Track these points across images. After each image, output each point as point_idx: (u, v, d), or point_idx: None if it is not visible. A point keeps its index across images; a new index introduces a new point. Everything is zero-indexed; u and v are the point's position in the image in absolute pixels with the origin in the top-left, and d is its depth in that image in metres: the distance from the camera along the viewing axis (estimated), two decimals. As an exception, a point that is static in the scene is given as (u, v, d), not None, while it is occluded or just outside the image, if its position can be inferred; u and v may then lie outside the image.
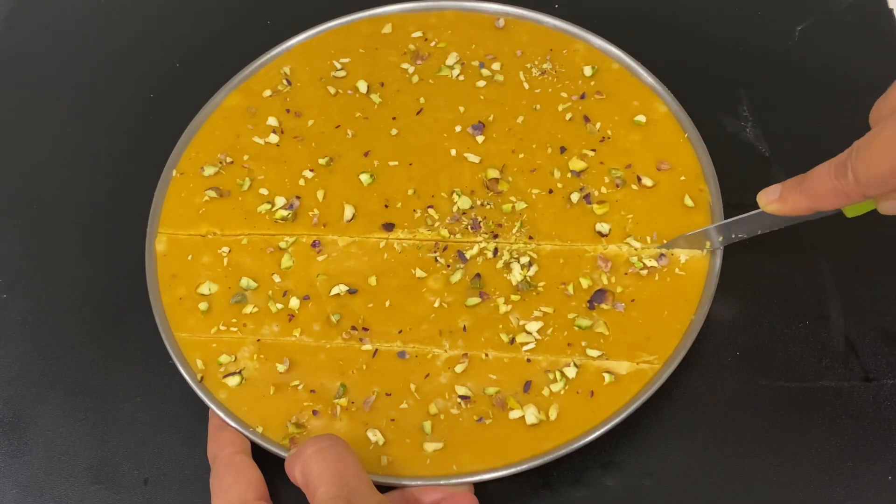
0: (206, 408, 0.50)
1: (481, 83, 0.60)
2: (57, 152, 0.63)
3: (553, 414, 0.48)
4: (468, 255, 0.53)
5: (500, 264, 0.53)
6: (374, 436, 0.48)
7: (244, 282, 0.53)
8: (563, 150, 0.56)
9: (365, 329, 0.51)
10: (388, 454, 0.48)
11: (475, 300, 0.52)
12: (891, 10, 0.63)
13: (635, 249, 0.52)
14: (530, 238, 0.53)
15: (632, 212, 0.54)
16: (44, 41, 0.69)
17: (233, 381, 0.50)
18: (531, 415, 0.48)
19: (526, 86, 0.59)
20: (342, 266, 0.54)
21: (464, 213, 0.55)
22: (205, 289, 0.53)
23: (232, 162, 0.58)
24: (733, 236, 0.51)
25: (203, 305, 0.53)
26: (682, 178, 0.55)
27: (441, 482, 0.47)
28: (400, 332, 0.51)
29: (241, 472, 0.45)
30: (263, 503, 0.44)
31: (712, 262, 0.51)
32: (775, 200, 0.46)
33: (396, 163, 0.57)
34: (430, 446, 0.48)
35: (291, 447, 0.47)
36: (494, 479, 0.47)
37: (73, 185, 0.62)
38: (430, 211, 0.55)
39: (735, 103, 0.60)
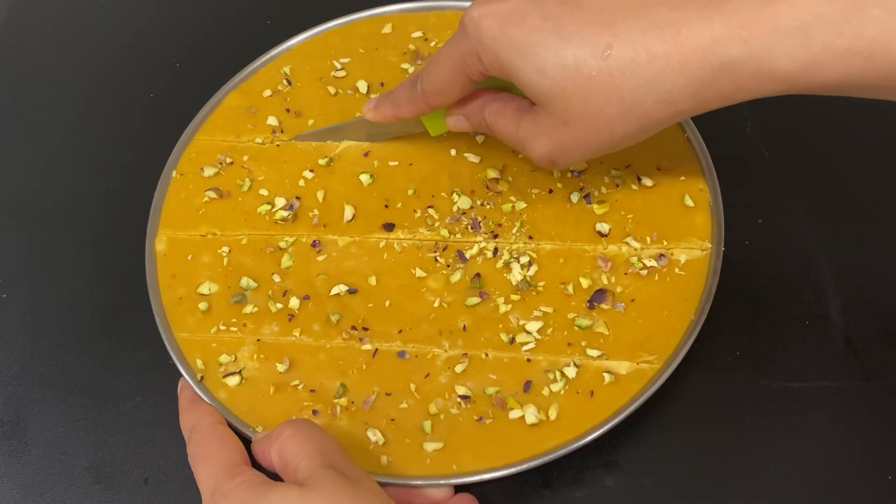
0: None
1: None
2: (57, 152, 0.63)
3: (553, 414, 0.48)
4: (468, 254, 0.53)
5: (500, 264, 0.53)
6: (374, 435, 0.48)
7: (244, 282, 0.53)
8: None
9: (365, 329, 0.51)
10: (388, 454, 0.48)
11: (475, 300, 0.52)
12: (891, 10, 0.63)
13: (635, 249, 0.52)
14: (530, 238, 0.53)
15: (632, 212, 0.54)
16: (44, 41, 0.69)
17: (233, 380, 0.50)
18: (531, 415, 0.48)
19: (526, 86, 0.59)
20: (342, 266, 0.54)
21: (464, 213, 0.55)
22: (205, 289, 0.53)
23: (232, 162, 0.58)
24: (346, 136, 0.58)
25: (203, 305, 0.53)
26: (682, 178, 0.55)
27: (441, 482, 0.46)
28: (400, 331, 0.51)
29: (226, 439, 0.46)
30: (251, 467, 0.44)
31: (712, 262, 0.52)
32: (371, 108, 0.54)
33: (396, 163, 0.57)
34: (430, 446, 0.48)
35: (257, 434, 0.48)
36: (494, 479, 0.47)
37: (73, 185, 0.62)
38: (430, 211, 0.55)
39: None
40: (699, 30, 0.40)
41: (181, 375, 0.51)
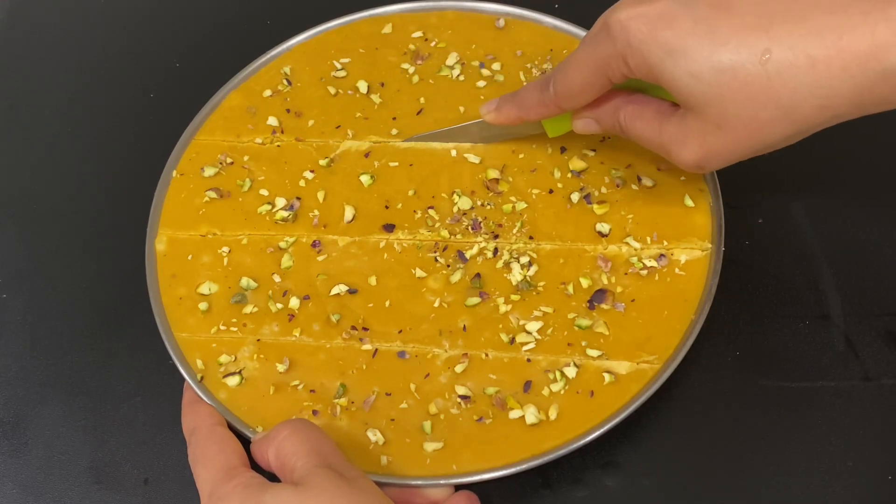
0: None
1: (481, 83, 0.60)
2: (57, 152, 0.63)
3: (553, 414, 0.48)
4: (468, 254, 0.53)
5: (500, 264, 0.53)
6: (374, 436, 0.48)
7: (244, 282, 0.53)
8: (563, 149, 0.56)
9: (365, 329, 0.51)
10: (388, 454, 0.48)
11: (475, 300, 0.52)
12: (891, 11, 0.63)
13: (635, 249, 0.52)
14: (531, 238, 0.53)
15: (632, 212, 0.54)
16: (44, 41, 0.69)
17: (233, 380, 0.50)
18: (531, 415, 0.48)
19: (526, 86, 0.59)
20: (342, 266, 0.54)
21: (464, 214, 0.55)
22: (205, 289, 0.53)
23: (232, 163, 0.58)
24: (461, 139, 0.57)
25: (203, 305, 0.53)
26: (682, 178, 0.55)
27: (441, 482, 0.46)
28: (400, 331, 0.51)
29: (225, 441, 0.46)
30: (249, 469, 0.45)
31: (712, 262, 0.52)
32: (493, 110, 0.53)
33: (397, 163, 0.57)
34: (430, 446, 0.48)
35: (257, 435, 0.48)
36: (494, 479, 0.47)
37: (73, 185, 0.62)
38: (431, 212, 0.55)
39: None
40: (862, 35, 0.39)
41: (181, 375, 0.51)
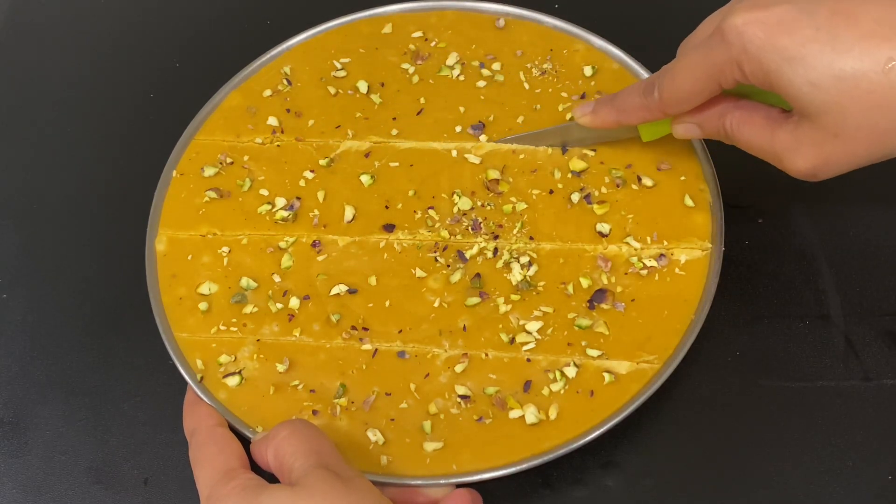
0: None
1: (481, 83, 0.60)
2: (57, 152, 0.63)
3: (553, 413, 0.48)
4: (468, 254, 0.53)
5: (499, 264, 0.53)
6: (374, 435, 0.48)
7: (244, 282, 0.53)
8: (564, 150, 0.56)
9: (365, 329, 0.51)
10: (388, 454, 0.48)
11: (475, 300, 0.52)
12: (891, 11, 0.63)
13: (635, 249, 0.52)
14: (531, 239, 0.53)
15: (632, 212, 0.54)
16: (44, 41, 0.69)
17: (233, 381, 0.50)
18: (531, 414, 0.48)
19: (526, 86, 0.59)
20: (342, 266, 0.54)
21: (464, 214, 0.55)
22: (205, 289, 0.53)
23: (232, 162, 0.58)
24: (551, 142, 0.56)
25: (203, 305, 0.53)
26: (682, 178, 0.55)
27: (441, 481, 0.47)
28: (400, 331, 0.51)
29: (224, 443, 0.46)
30: (248, 471, 0.45)
31: (712, 262, 0.52)
32: (588, 113, 0.53)
33: (397, 164, 0.57)
34: (430, 446, 0.48)
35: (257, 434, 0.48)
36: (494, 479, 0.47)
37: (73, 185, 0.62)
38: (431, 212, 0.55)
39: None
40: None
41: (181, 375, 0.51)
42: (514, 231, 0.54)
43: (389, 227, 0.55)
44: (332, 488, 0.40)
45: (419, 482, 0.47)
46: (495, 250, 0.53)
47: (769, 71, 0.42)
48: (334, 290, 0.53)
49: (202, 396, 0.50)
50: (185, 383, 0.51)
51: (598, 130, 0.54)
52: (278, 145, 0.59)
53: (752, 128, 0.46)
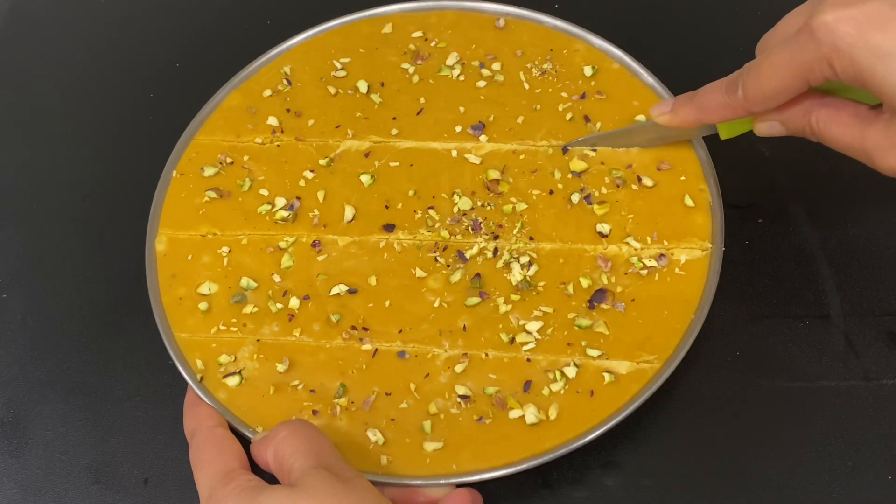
0: (206, 408, 0.50)
1: (481, 83, 0.60)
2: (57, 152, 0.63)
3: (553, 413, 0.48)
4: (468, 254, 0.53)
5: (499, 264, 0.53)
6: (374, 435, 0.48)
7: (244, 282, 0.53)
8: (564, 150, 0.56)
9: (365, 329, 0.51)
10: (388, 454, 0.48)
11: (475, 300, 0.52)
12: (891, 11, 0.63)
13: (635, 249, 0.52)
14: (531, 239, 0.53)
15: (632, 212, 0.54)
16: (44, 41, 0.69)
17: (233, 381, 0.50)
18: (531, 414, 0.48)
19: (526, 86, 0.59)
20: (342, 266, 0.54)
21: (464, 214, 0.55)
22: (205, 289, 0.53)
23: (232, 162, 0.58)
24: (624, 142, 0.56)
25: (203, 305, 0.53)
26: (682, 178, 0.55)
27: (441, 481, 0.47)
28: (400, 331, 0.51)
29: (224, 444, 0.46)
30: (248, 472, 0.45)
31: (712, 262, 0.52)
32: (667, 112, 0.52)
33: (397, 163, 0.57)
34: (429, 446, 0.48)
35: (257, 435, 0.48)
36: (494, 479, 0.47)
37: (73, 185, 0.62)
38: (431, 212, 0.55)
39: (735, 103, 0.60)
40: None
41: (181, 375, 0.51)
42: (515, 231, 0.54)
43: (389, 227, 0.55)
44: (330, 488, 0.40)
45: (419, 482, 0.47)
46: (495, 250, 0.53)
47: (861, 68, 0.41)
48: (334, 290, 0.53)
49: (202, 397, 0.50)
50: (185, 383, 0.51)
51: (675, 129, 0.53)
52: (278, 145, 0.59)
53: (840, 126, 0.45)
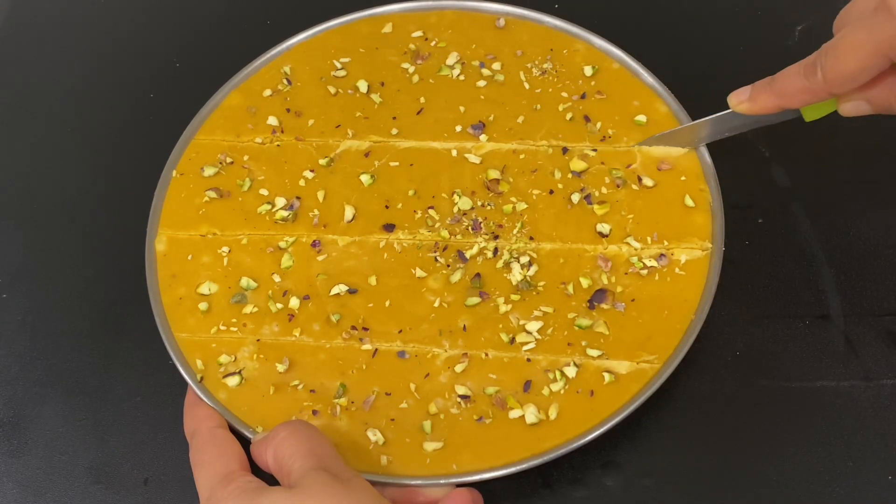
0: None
1: (481, 83, 0.60)
2: (57, 152, 0.63)
3: (553, 413, 0.48)
4: (468, 254, 0.53)
5: (500, 264, 0.53)
6: (374, 435, 0.48)
7: (244, 282, 0.53)
8: (564, 150, 0.56)
9: (365, 329, 0.51)
10: (388, 454, 0.48)
11: (475, 300, 0.52)
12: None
13: (635, 249, 0.52)
14: (531, 239, 0.53)
15: (632, 212, 0.54)
16: (44, 41, 0.69)
17: (233, 381, 0.50)
18: (531, 414, 0.48)
19: (526, 85, 0.59)
20: (342, 266, 0.54)
21: (464, 214, 0.55)
22: (205, 289, 0.53)
23: (232, 162, 0.58)
24: (703, 135, 0.54)
25: (203, 305, 0.53)
26: (683, 178, 0.55)
27: (441, 481, 0.47)
28: (400, 331, 0.51)
29: (224, 445, 0.46)
30: (247, 473, 0.45)
31: (712, 262, 0.51)
32: (746, 100, 0.50)
33: (397, 163, 0.57)
34: (430, 446, 0.48)
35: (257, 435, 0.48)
36: (494, 479, 0.47)
37: (73, 185, 0.62)
38: (431, 212, 0.55)
39: (735, 103, 0.60)
40: None
41: (181, 375, 0.51)
42: (515, 231, 0.54)
43: (389, 227, 0.55)
44: (329, 490, 0.40)
45: (419, 482, 0.47)
46: (495, 250, 0.53)
47: None
48: (334, 290, 0.53)
49: (202, 397, 0.50)
50: (185, 383, 0.51)
51: (756, 117, 0.51)
52: (278, 145, 0.59)
53: None
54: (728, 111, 0.51)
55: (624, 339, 0.50)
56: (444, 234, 0.54)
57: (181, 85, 0.65)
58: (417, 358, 0.50)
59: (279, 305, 0.52)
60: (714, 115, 0.53)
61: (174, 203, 0.57)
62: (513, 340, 0.50)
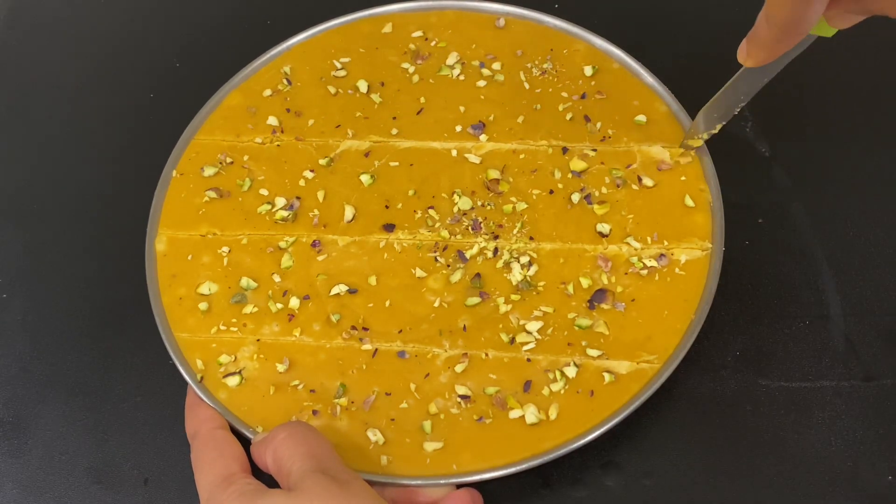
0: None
1: (481, 83, 0.60)
2: (57, 152, 0.63)
3: (553, 413, 0.48)
4: (468, 254, 0.53)
5: (500, 264, 0.53)
6: (374, 435, 0.48)
7: (244, 282, 0.53)
8: (564, 150, 0.56)
9: (365, 329, 0.51)
10: (388, 454, 0.48)
11: (475, 300, 0.52)
12: (891, 11, 0.63)
13: (635, 249, 0.52)
14: (531, 239, 0.53)
15: (632, 212, 0.54)
16: (44, 41, 0.69)
17: (233, 381, 0.50)
18: (531, 414, 0.48)
19: (526, 85, 0.59)
20: (342, 266, 0.54)
21: (464, 214, 0.55)
22: (205, 289, 0.53)
23: (232, 162, 0.58)
24: (715, 115, 0.53)
25: (203, 305, 0.53)
26: (683, 178, 0.55)
27: (441, 481, 0.47)
28: (400, 331, 0.51)
29: (224, 446, 0.46)
30: (248, 475, 0.45)
31: (712, 262, 0.52)
32: (745, 58, 0.46)
33: (397, 163, 0.57)
34: (430, 446, 0.48)
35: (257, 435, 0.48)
36: (494, 479, 0.47)
37: (73, 185, 0.62)
38: (431, 212, 0.55)
39: (735, 103, 0.60)
40: None
41: (181, 375, 0.51)
42: (515, 231, 0.54)
43: (389, 227, 0.55)
44: (328, 492, 0.40)
45: (419, 482, 0.47)
46: (495, 250, 0.53)
47: None
48: (334, 290, 0.53)
49: (203, 398, 0.50)
50: (186, 383, 0.51)
51: (771, 64, 0.48)
52: (278, 145, 0.59)
53: None
54: (744, 69, 0.49)
55: (624, 339, 0.50)
56: (444, 234, 0.54)
57: (181, 85, 0.65)
58: (417, 358, 0.50)
59: (279, 305, 0.52)
60: (734, 78, 0.51)
61: (174, 203, 0.57)
62: (513, 340, 0.50)
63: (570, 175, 0.55)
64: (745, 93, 0.51)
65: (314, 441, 0.44)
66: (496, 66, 0.60)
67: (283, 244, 0.55)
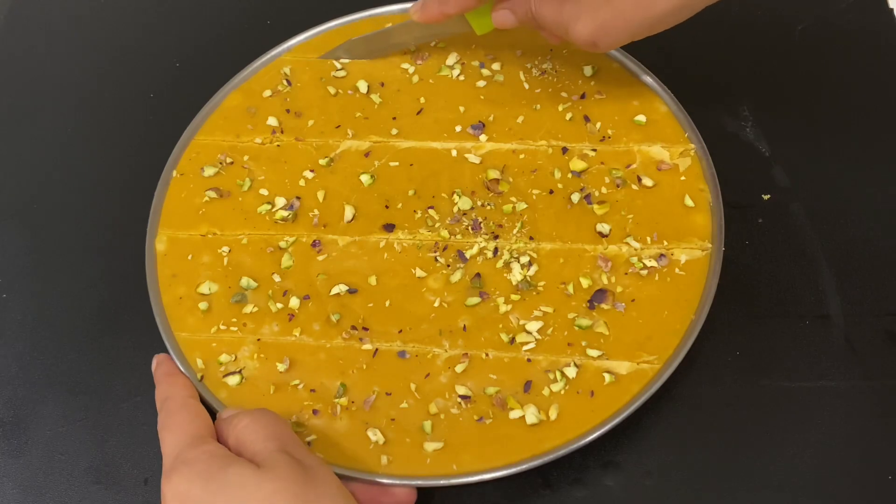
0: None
1: (481, 83, 0.60)
2: (57, 152, 0.63)
3: (553, 414, 0.48)
4: (468, 254, 0.53)
5: (500, 264, 0.53)
6: (375, 435, 0.48)
7: (244, 281, 0.53)
8: (564, 150, 0.56)
9: (365, 329, 0.51)
10: (388, 454, 0.48)
11: (475, 300, 0.52)
12: (891, 10, 0.63)
13: (635, 249, 0.52)
14: (531, 238, 0.53)
15: (632, 212, 0.54)
16: (44, 41, 0.69)
17: (233, 380, 0.50)
18: (531, 414, 0.48)
19: (526, 86, 0.59)
20: (342, 266, 0.54)
21: (464, 214, 0.55)
22: (205, 288, 0.53)
23: (232, 162, 0.58)
24: (363, 50, 0.61)
25: (203, 305, 0.53)
26: (682, 178, 0.55)
27: (441, 482, 0.47)
28: (400, 331, 0.51)
29: (196, 412, 0.47)
30: (216, 441, 0.45)
31: (712, 262, 0.52)
32: (418, 10, 0.55)
33: (397, 163, 0.57)
34: (430, 446, 0.48)
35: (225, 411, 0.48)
36: (494, 479, 0.47)
37: (73, 185, 0.62)
38: (431, 212, 0.55)
39: (735, 103, 0.60)
40: None
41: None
42: (514, 231, 0.54)
43: (389, 227, 0.55)
44: (294, 473, 0.41)
45: (419, 482, 0.47)
46: (495, 250, 0.53)
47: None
48: (334, 290, 0.53)
49: (179, 366, 0.50)
50: (157, 354, 0.51)
51: (434, 27, 0.56)
52: (278, 145, 0.59)
53: (548, 6, 0.50)
54: (407, 21, 0.57)
55: (624, 339, 0.50)
56: (444, 234, 0.54)
57: (181, 85, 0.65)
58: (418, 358, 0.50)
59: (279, 305, 0.52)
60: (396, 25, 0.59)
61: (174, 203, 0.57)
62: (513, 340, 0.50)
63: (569, 175, 0.55)
64: (398, 44, 0.60)
65: (276, 425, 0.45)
66: (496, 66, 0.60)
67: (283, 244, 0.55)
